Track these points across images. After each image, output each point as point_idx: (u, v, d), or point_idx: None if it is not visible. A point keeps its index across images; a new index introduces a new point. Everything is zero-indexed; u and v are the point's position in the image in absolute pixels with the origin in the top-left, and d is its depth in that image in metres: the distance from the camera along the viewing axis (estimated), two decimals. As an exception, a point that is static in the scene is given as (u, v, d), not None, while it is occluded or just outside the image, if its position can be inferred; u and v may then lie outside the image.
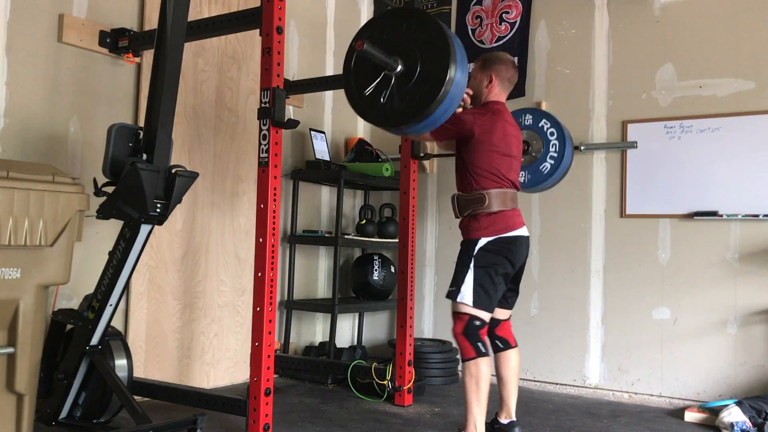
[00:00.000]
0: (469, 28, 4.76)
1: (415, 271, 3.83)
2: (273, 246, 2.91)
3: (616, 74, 4.19)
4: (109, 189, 2.72)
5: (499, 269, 2.85)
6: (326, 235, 4.48)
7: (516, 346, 3.10)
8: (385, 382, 3.71)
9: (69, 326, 2.96)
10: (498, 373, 3.05)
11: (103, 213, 2.71)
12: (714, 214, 3.82)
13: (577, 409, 3.77)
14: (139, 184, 2.60)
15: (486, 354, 2.82)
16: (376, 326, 5.01)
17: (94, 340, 2.84)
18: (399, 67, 2.42)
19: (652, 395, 3.96)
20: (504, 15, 4.61)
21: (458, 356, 4.51)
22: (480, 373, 2.79)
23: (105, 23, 3.42)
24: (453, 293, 2.84)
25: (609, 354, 4.11)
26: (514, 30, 4.56)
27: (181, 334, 3.75)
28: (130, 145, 2.76)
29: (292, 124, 2.89)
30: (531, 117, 3.62)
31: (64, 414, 2.88)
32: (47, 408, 2.88)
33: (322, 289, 4.86)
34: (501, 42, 4.60)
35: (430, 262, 4.79)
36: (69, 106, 3.30)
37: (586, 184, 4.25)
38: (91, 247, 3.22)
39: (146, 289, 3.56)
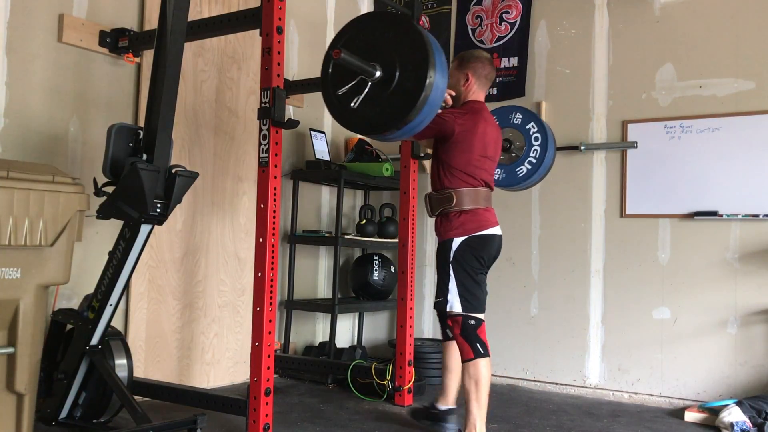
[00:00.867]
0: (469, 28, 4.76)
1: (415, 271, 3.83)
2: (273, 246, 2.91)
3: (616, 74, 4.19)
4: (109, 189, 2.72)
5: (478, 267, 2.91)
6: (326, 235, 4.48)
7: None
8: (385, 382, 3.71)
9: (69, 326, 2.96)
10: (444, 361, 3.13)
11: (103, 213, 2.71)
12: (714, 214, 3.82)
13: (577, 409, 3.77)
14: (139, 184, 2.60)
15: (485, 355, 2.83)
16: (376, 326, 5.01)
17: (94, 340, 2.84)
18: (378, 73, 2.38)
19: (652, 395, 3.96)
20: (504, 15, 4.61)
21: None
22: (479, 374, 2.80)
23: (105, 23, 3.42)
24: (441, 303, 2.89)
25: (609, 354, 4.11)
26: (514, 30, 4.56)
27: (181, 334, 3.75)
28: (130, 145, 2.75)
29: (292, 124, 2.89)
30: (521, 116, 3.60)
31: (64, 414, 2.88)
32: (47, 408, 2.88)
33: (322, 289, 4.86)
34: (501, 42, 4.60)
35: (430, 262, 4.79)
36: (69, 106, 3.30)
37: (586, 184, 4.25)
38: (91, 247, 3.22)
39: (146, 289, 3.56)
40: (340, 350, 4.34)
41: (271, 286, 2.91)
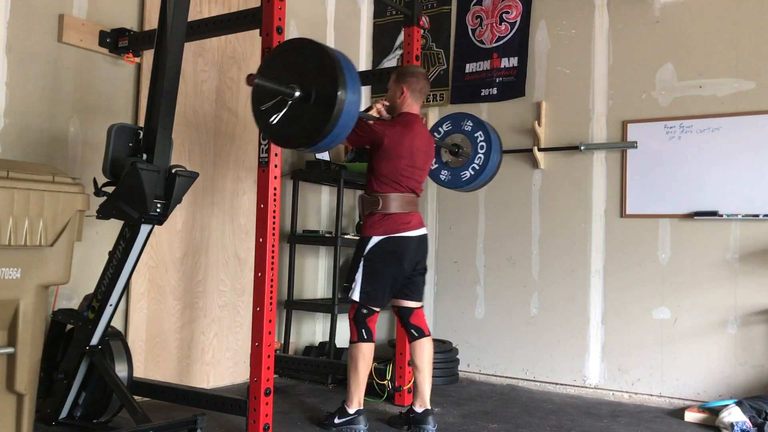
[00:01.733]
0: (469, 28, 4.76)
1: (415, 271, 3.82)
2: (273, 246, 2.91)
3: (616, 74, 4.19)
4: (109, 189, 2.72)
5: (389, 267, 3.14)
6: (326, 235, 4.48)
7: (429, 335, 3.30)
8: (385, 382, 3.71)
9: (69, 326, 2.96)
10: (413, 362, 3.26)
11: (103, 213, 2.71)
12: (714, 214, 3.82)
13: (577, 409, 3.77)
14: (139, 184, 2.60)
15: (368, 340, 3.16)
16: (376, 326, 5.00)
17: (94, 340, 2.84)
18: (297, 93, 2.53)
19: (652, 395, 3.96)
20: (504, 15, 4.61)
21: (458, 356, 4.53)
22: (359, 355, 3.13)
23: (105, 23, 3.42)
24: (346, 289, 3.21)
25: (609, 354, 4.11)
26: (514, 30, 4.56)
27: (181, 334, 3.75)
28: (130, 145, 2.76)
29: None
30: (471, 124, 3.79)
31: (64, 414, 2.88)
32: (47, 408, 2.88)
33: (322, 289, 4.86)
34: (501, 42, 4.60)
35: (430, 262, 4.79)
36: (69, 106, 3.30)
37: (586, 184, 4.25)
38: (91, 247, 3.22)
39: (146, 289, 3.56)
40: (340, 350, 4.34)
41: (271, 286, 2.91)
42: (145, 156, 2.72)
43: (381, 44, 5.17)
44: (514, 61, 4.54)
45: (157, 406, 3.26)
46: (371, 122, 3.15)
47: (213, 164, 3.92)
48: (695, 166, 3.91)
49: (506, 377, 4.42)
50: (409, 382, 3.67)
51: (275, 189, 2.92)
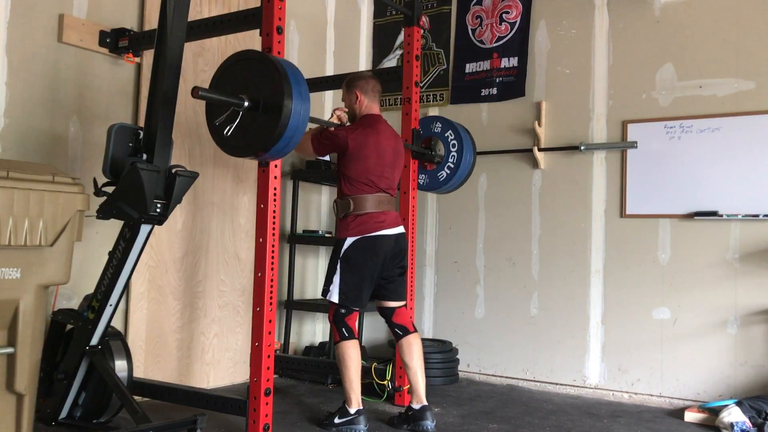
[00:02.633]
0: (469, 28, 4.76)
1: (415, 271, 3.83)
2: (273, 246, 2.91)
3: (616, 74, 4.19)
4: (109, 189, 2.72)
5: (365, 267, 3.17)
6: (326, 235, 4.48)
7: (415, 331, 3.33)
8: (385, 382, 3.71)
9: (69, 326, 2.96)
10: (403, 360, 3.29)
11: (103, 213, 2.71)
12: (714, 214, 3.82)
13: (577, 409, 3.77)
14: (139, 184, 2.60)
15: (350, 338, 3.17)
16: (376, 326, 5.00)
17: (94, 340, 2.85)
18: (246, 103, 2.62)
19: (652, 395, 3.96)
20: (504, 15, 4.61)
21: (458, 356, 4.53)
22: (344, 354, 3.14)
23: (105, 23, 3.42)
24: (324, 292, 3.22)
25: (609, 354, 4.11)
26: (514, 30, 4.56)
27: (181, 334, 3.75)
28: (130, 145, 2.76)
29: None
30: (440, 125, 3.88)
31: (64, 414, 2.88)
32: (47, 408, 2.88)
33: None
34: (501, 42, 4.60)
35: (430, 262, 4.79)
36: (69, 105, 3.30)
37: (586, 184, 4.25)
38: (91, 247, 3.22)
39: (146, 289, 3.56)
40: (340, 350, 4.33)
41: (271, 286, 2.91)
42: (145, 156, 2.72)
43: (381, 44, 5.17)
44: (514, 61, 4.54)
45: (157, 406, 3.26)
46: (332, 129, 3.21)
47: (213, 164, 3.92)
48: (695, 166, 3.91)
49: (506, 377, 4.42)
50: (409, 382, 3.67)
51: (275, 189, 2.92)
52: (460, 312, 4.65)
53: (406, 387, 3.66)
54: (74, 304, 3.20)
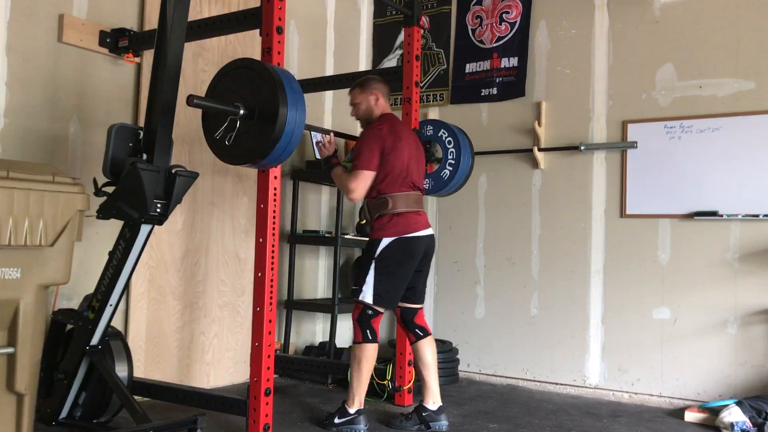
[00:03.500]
0: (469, 28, 4.76)
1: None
2: (273, 246, 2.91)
3: (616, 74, 4.19)
4: (109, 189, 2.72)
5: (401, 268, 3.15)
6: (326, 235, 4.48)
7: (431, 333, 3.36)
8: (385, 382, 3.71)
9: (69, 326, 2.96)
10: (422, 359, 3.27)
11: (103, 213, 2.71)
12: (714, 214, 3.82)
13: (577, 409, 3.77)
14: (139, 184, 2.60)
15: (372, 341, 3.13)
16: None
17: (94, 340, 2.84)
18: (241, 111, 2.64)
19: (652, 395, 3.96)
20: (504, 15, 4.61)
21: (458, 356, 4.53)
22: (363, 355, 3.11)
23: (105, 23, 3.42)
24: (356, 292, 3.17)
25: (609, 354, 4.11)
26: (514, 30, 4.56)
27: (181, 334, 3.75)
28: (130, 145, 2.76)
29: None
30: (432, 128, 3.90)
31: (64, 414, 2.88)
32: (47, 408, 2.88)
33: (322, 289, 4.86)
34: (501, 42, 4.60)
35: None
36: (69, 106, 3.30)
37: (586, 184, 4.25)
38: (91, 247, 3.22)
39: (146, 289, 3.56)
40: (340, 350, 4.34)
41: (271, 286, 2.91)
42: (145, 156, 2.72)
43: (381, 44, 5.17)
44: (514, 61, 4.54)
45: (157, 406, 3.26)
46: (362, 142, 3.21)
47: (213, 164, 3.92)
48: (695, 166, 3.91)
49: (506, 377, 4.42)
50: (409, 382, 3.67)
51: (275, 189, 2.93)
52: (460, 312, 4.65)
53: (407, 387, 3.66)
54: (74, 304, 3.20)
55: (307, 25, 4.71)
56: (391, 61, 5.09)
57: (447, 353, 4.36)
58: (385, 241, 3.12)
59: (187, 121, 3.75)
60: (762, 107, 3.76)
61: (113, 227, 2.93)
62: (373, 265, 3.12)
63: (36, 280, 2.34)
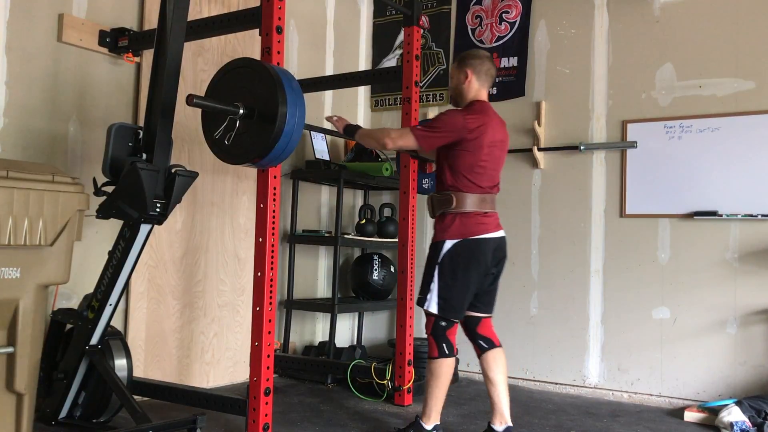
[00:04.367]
0: (469, 27, 4.76)
1: (415, 271, 3.82)
2: (273, 246, 2.91)
3: (616, 74, 4.19)
4: (109, 189, 2.72)
5: (467, 273, 2.86)
6: (326, 234, 4.48)
7: (500, 345, 3.01)
8: (384, 382, 3.71)
9: (69, 326, 2.96)
10: (486, 375, 2.97)
11: (103, 213, 2.71)
12: (714, 214, 3.82)
13: (576, 408, 3.77)
14: (138, 183, 2.61)
15: (449, 356, 2.90)
16: (376, 326, 5.01)
17: (94, 340, 2.85)
18: (241, 111, 2.63)
19: (651, 395, 3.96)
20: (504, 15, 4.61)
21: (458, 356, 4.52)
22: (440, 371, 2.89)
23: (105, 23, 3.42)
24: (421, 301, 2.94)
25: (609, 354, 4.11)
26: (513, 30, 4.56)
27: (180, 334, 3.75)
28: (130, 144, 2.76)
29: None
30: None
31: (63, 413, 2.88)
32: (47, 407, 2.88)
33: (322, 288, 4.86)
34: (501, 42, 4.60)
35: (430, 262, 4.78)
36: (69, 105, 3.30)
37: (585, 183, 4.25)
38: (91, 246, 3.22)
39: (146, 289, 3.56)
40: (340, 350, 4.34)
41: (271, 285, 2.91)
42: (144, 156, 2.72)
43: (381, 44, 5.17)
44: (513, 61, 4.54)
45: (156, 406, 3.26)
46: (444, 116, 2.89)
47: (213, 164, 3.92)
48: (695, 166, 3.91)
49: (506, 377, 4.42)
50: (409, 381, 3.67)
51: (275, 189, 2.92)
52: (459, 312, 4.64)
53: (406, 387, 3.66)
54: (74, 303, 3.20)
55: (307, 25, 4.71)
56: (390, 61, 5.09)
57: (447, 353, 4.35)
58: (449, 244, 2.85)
59: (187, 121, 3.75)
60: (762, 107, 3.76)
61: (113, 227, 2.93)
62: (437, 271, 2.87)
63: (36, 279, 2.34)
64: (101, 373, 2.79)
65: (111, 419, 2.96)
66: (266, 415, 2.87)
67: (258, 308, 2.89)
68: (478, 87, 2.98)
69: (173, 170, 2.76)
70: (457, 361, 4.47)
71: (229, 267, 4.04)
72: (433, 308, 2.87)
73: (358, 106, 5.20)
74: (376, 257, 4.63)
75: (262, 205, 2.91)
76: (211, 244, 3.94)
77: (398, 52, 5.04)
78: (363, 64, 5.21)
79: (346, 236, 4.45)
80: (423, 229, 4.81)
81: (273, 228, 2.92)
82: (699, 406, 3.61)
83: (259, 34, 2.90)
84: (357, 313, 4.95)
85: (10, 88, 3.06)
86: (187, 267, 3.79)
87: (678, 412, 3.68)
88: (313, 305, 4.50)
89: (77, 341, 2.86)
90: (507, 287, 4.45)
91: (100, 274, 2.84)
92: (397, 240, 4.25)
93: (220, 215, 3.99)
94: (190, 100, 2.50)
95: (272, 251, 2.91)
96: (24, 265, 2.30)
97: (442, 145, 2.90)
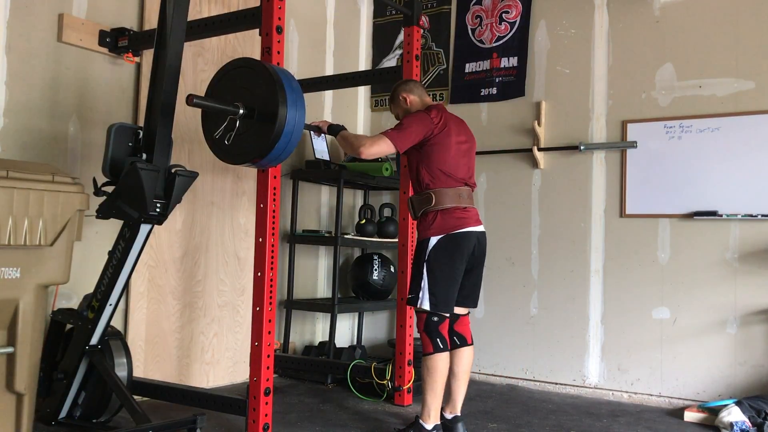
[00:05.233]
0: (469, 27, 4.76)
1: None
2: (273, 246, 2.91)
3: (616, 74, 4.19)
4: (109, 189, 2.72)
5: (453, 267, 2.94)
6: (326, 234, 4.48)
7: (472, 344, 3.13)
8: (384, 382, 3.71)
9: (69, 326, 2.96)
10: (451, 369, 3.04)
11: (103, 213, 2.71)
12: (714, 214, 3.82)
13: (576, 408, 3.77)
14: (138, 183, 2.61)
15: (443, 350, 2.93)
16: (376, 326, 5.01)
17: (94, 340, 2.85)
18: (241, 111, 2.63)
19: (651, 395, 3.96)
20: (504, 15, 4.61)
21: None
22: (436, 366, 2.91)
23: (105, 23, 3.42)
24: (412, 300, 2.98)
25: (608, 354, 4.11)
26: (513, 30, 4.56)
27: (180, 334, 3.75)
28: (130, 144, 2.76)
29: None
30: None
31: (63, 414, 2.88)
32: (47, 408, 2.88)
33: (322, 288, 4.86)
34: (501, 42, 4.60)
35: (430, 262, 4.79)
36: (69, 105, 3.30)
37: (585, 184, 4.25)
38: (91, 247, 3.22)
39: (146, 289, 3.56)
40: (340, 350, 4.34)
41: (271, 285, 2.91)
42: (144, 156, 2.72)
43: (381, 44, 5.17)
44: (513, 61, 4.54)
45: (156, 406, 3.26)
46: (413, 114, 2.99)
47: (213, 164, 3.92)
48: (695, 166, 3.91)
49: (506, 377, 4.42)
50: (409, 381, 3.67)
51: (275, 189, 2.93)
52: (459, 312, 4.64)
53: (406, 387, 3.66)
54: (74, 303, 3.20)
55: (307, 25, 4.71)
56: (390, 61, 5.09)
57: (447, 353, 4.35)
58: (433, 240, 2.92)
59: (187, 121, 3.75)
60: (762, 107, 3.76)
61: (113, 227, 2.93)
62: (425, 268, 2.92)
63: (35, 279, 2.34)
64: (101, 373, 2.79)
65: (111, 419, 2.96)
66: (266, 415, 2.87)
67: (258, 308, 2.89)
68: (419, 99, 3.15)
69: (173, 170, 2.76)
70: (457, 361, 4.48)
71: (229, 267, 4.04)
72: (426, 305, 2.92)
73: (358, 106, 5.20)
74: (376, 257, 4.64)
75: (262, 205, 2.91)
76: (211, 244, 3.94)
77: (398, 52, 5.04)
78: (363, 64, 5.21)
79: (346, 236, 4.45)
80: (423, 229, 4.81)
81: (273, 228, 2.92)
82: (699, 406, 3.61)
83: (259, 34, 2.91)
84: (357, 313, 4.95)
85: (10, 88, 3.06)
86: (187, 267, 3.79)
87: (678, 412, 3.68)
88: (313, 305, 4.50)
89: (77, 341, 2.86)
90: (507, 287, 4.47)
91: (100, 274, 2.84)
92: (397, 240, 4.25)
93: (220, 215, 3.99)
94: (190, 100, 2.50)
95: (272, 251, 2.91)
96: (24, 265, 2.30)
97: (413, 146, 2.97)
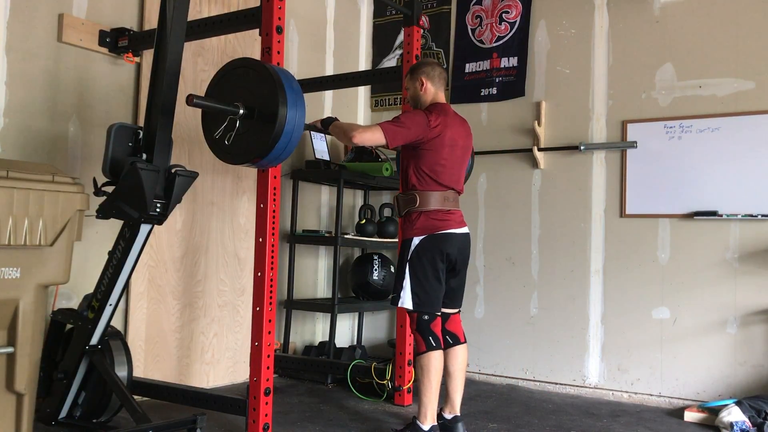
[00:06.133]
0: (469, 28, 4.76)
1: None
2: (273, 246, 2.91)
3: (616, 74, 4.19)
4: (109, 189, 2.72)
5: (436, 267, 2.96)
6: (326, 234, 4.48)
7: (465, 342, 3.14)
8: (384, 382, 3.71)
9: (69, 326, 2.96)
10: (446, 368, 3.06)
11: (103, 213, 2.71)
12: (714, 214, 3.82)
13: (576, 408, 3.77)
14: (138, 183, 2.61)
15: (436, 348, 2.94)
16: (376, 326, 5.01)
17: (94, 340, 2.85)
18: (241, 111, 2.63)
19: (651, 395, 3.96)
20: (504, 15, 4.61)
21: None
22: (430, 365, 2.91)
23: (105, 23, 3.42)
24: (395, 299, 3.00)
25: (609, 354, 4.11)
26: (513, 30, 4.56)
27: (180, 334, 3.75)
28: (130, 144, 2.76)
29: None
30: None
31: (63, 414, 2.88)
32: (47, 408, 2.88)
33: (322, 288, 4.86)
34: (501, 42, 4.60)
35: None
36: (69, 105, 3.30)
37: (585, 184, 4.25)
38: (91, 247, 3.22)
39: (146, 289, 3.56)
40: (340, 350, 4.34)
41: (271, 285, 2.91)
42: (144, 156, 2.72)
43: (381, 44, 5.17)
44: (513, 61, 4.54)
45: (156, 406, 3.26)
46: (410, 112, 3.01)
47: (213, 164, 3.92)
48: (695, 166, 3.91)
49: (506, 377, 4.42)
50: (409, 381, 3.67)
51: (275, 189, 2.93)
52: (459, 312, 4.64)
53: (406, 387, 3.66)
54: (74, 304, 3.20)
55: (307, 25, 4.71)
56: (390, 61, 5.09)
57: (447, 353, 4.35)
58: (416, 240, 2.95)
59: (187, 121, 3.76)
60: (762, 107, 3.76)
61: (113, 227, 2.93)
62: (407, 267, 2.95)
63: (36, 279, 2.34)
64: (101, 373, 2.79)
65: (111, 419, 2.96)
66: (266, 415, 2.87)
67: (258, 308, 2.89)
68: (434, 91, 3.11)
69: (173, 170, 2.76)
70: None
71: (229, 267, 4.04)
72: (408, 304, 2.95)
73: (358, 106, 5.20)
74: (376, 257, 4.64)
75: (262, 205, 2.92)
76: (211, 244, 3.94)
77: (398, 52, 5.04)
78: (363, 64, 5.21)
79: (346, 236, 4.45)
80: (423, 229, 4.81)
81: (273, 228, 2.92)
82: (699, 406, 3.61)
83: (259, 34, 2.91)
84: (357, 313, 4.95)
85: (10, 88, 3.06)
86: (187, 267, 3.80)
87: (678, 412, 3.68)
88: (313, 305, 4.50)
89: (77, 341, 2.86)
90: (507, 287, 4.47)
91: (100, 274, 2.84)
92: (397, 240, 4.24)
93: (220, 215, 3.99)
94: (190, 100, 2.50)
95: (272, 251, 2.91)
96: (24, 265, 2.31)
97: (405, 145, 2.97)
